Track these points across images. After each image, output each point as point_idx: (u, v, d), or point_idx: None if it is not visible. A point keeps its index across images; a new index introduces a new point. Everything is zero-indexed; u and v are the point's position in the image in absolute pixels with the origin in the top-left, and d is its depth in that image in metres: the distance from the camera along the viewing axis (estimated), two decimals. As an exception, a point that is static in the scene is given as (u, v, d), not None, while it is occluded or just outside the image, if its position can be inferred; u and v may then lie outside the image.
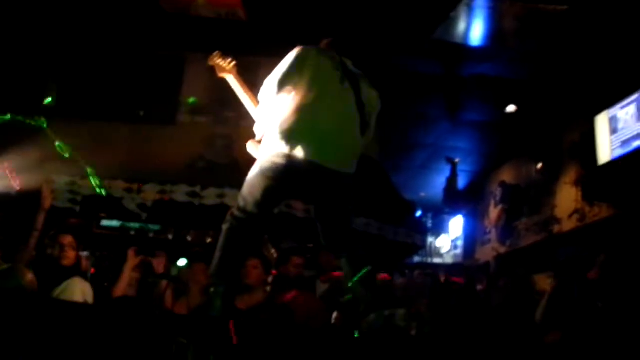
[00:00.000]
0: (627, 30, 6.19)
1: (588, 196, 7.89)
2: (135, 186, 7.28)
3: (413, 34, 6.77)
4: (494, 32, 6.61)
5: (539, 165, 9.37)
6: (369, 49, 7.15)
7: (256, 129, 3.48)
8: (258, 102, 3.55)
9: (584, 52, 6.71)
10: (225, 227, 3.26)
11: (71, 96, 7.90)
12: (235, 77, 3.75)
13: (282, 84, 3.22)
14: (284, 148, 3.12)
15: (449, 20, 6.35)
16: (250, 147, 3.51)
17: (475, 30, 6.60)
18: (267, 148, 3.24)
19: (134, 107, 7.81)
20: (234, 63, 3.79)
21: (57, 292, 4.09)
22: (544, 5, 5.91)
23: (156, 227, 8.39)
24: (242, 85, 3.72)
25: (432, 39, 6.73)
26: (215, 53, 3.84)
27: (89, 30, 7.49)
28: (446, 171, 10.81)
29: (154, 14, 6.95)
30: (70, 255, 4.36)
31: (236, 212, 3.25)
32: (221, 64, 3.80)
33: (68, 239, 4.38)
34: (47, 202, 4.82)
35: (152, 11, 6.87)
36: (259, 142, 3.47)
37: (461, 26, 6.47)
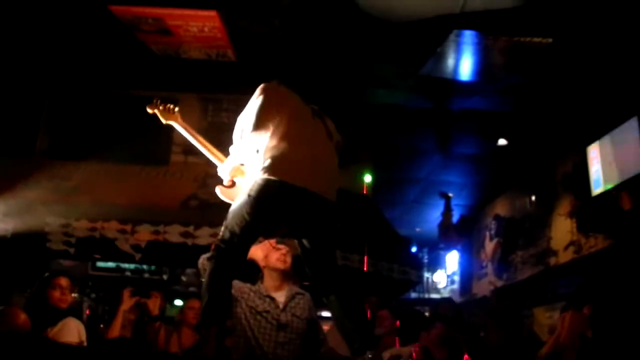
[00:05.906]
0: (615, 60, 6.25)
1: (583, 227, 7.82)
2: (128, 227, 7.27)
3: (402, 69, 6.85)
4: (482, 66, 6.67)
5: (533, 198, 9.37)
6: (359, 85, 7.24)
7: (221, 172, 3.52)
8: (208, 144, 3.66)
9: (573, 83, 6.75)
10: (210, 264, 3.24)
11: (64, 138, 7.94)
12: (180, 123, 3.77)
13: (265, 119, 3.22)
14: (272, 175, 3.13)
15: (437, 56, 6.42)
16: (220, 193, 3.50)
17: (463, 65, 6.67)
18: (253, 178, 3.24)
19: (126, 148, 7.82)
20: (177, 109, 3.80)
21: (53, 331, 4.05)
22: (529, 38, 5.99)
23: (151, 268, 8.35)
24: (188, 130, 3.75)
25: (421, 74, 6.80)
26: (154, 100, 3.81)
27: (81, 72, 7.56)
28: (440, 205, 10.79)
29: (146, 57, 7.02)
30: (67, 299, 4.34)
31: (222, 245, 3.22)
32: (163, 110, 3.78)
33: (65, 282, 4.36)
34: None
35: (143, 54, 6.94)
36: (228, 186, 3.49)
37: (449, 61, 6.54)
